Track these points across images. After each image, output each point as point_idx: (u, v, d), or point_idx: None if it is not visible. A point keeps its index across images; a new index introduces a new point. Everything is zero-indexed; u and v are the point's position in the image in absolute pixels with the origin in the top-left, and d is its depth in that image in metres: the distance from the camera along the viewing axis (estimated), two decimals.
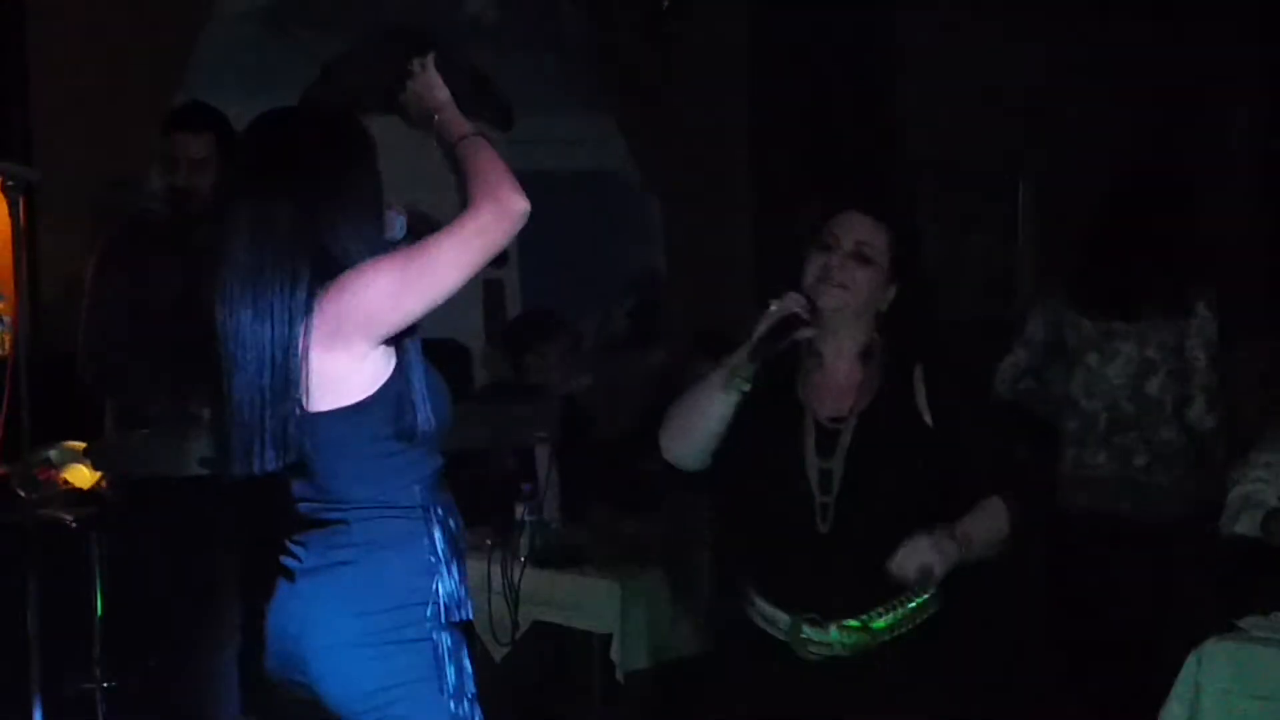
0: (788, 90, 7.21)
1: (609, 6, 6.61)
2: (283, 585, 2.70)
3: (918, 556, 2.96)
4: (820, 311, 3.10)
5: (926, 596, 3.12)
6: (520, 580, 4.49)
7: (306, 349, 2.55)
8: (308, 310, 2.55)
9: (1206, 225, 5.09)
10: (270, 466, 2.64)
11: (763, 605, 3.12)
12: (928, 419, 3.11)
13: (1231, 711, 3.76)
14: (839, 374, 3.16)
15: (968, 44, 7.61)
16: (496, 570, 4.50)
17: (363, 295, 2.53)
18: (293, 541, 2.70)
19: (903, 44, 7.52)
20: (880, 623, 3.08)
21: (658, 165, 6.95)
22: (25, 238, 3.97)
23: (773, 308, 3.05)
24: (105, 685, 4.39)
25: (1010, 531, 3.17)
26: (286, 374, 2.56)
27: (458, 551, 2.70)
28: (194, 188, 4.33)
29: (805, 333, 3.07)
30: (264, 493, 4.01)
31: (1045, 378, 5.00)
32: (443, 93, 2.74)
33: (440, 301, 2.58)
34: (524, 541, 4.59)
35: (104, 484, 4.42)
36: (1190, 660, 3.83)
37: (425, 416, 2.62)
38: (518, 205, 2.56)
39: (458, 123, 2.69)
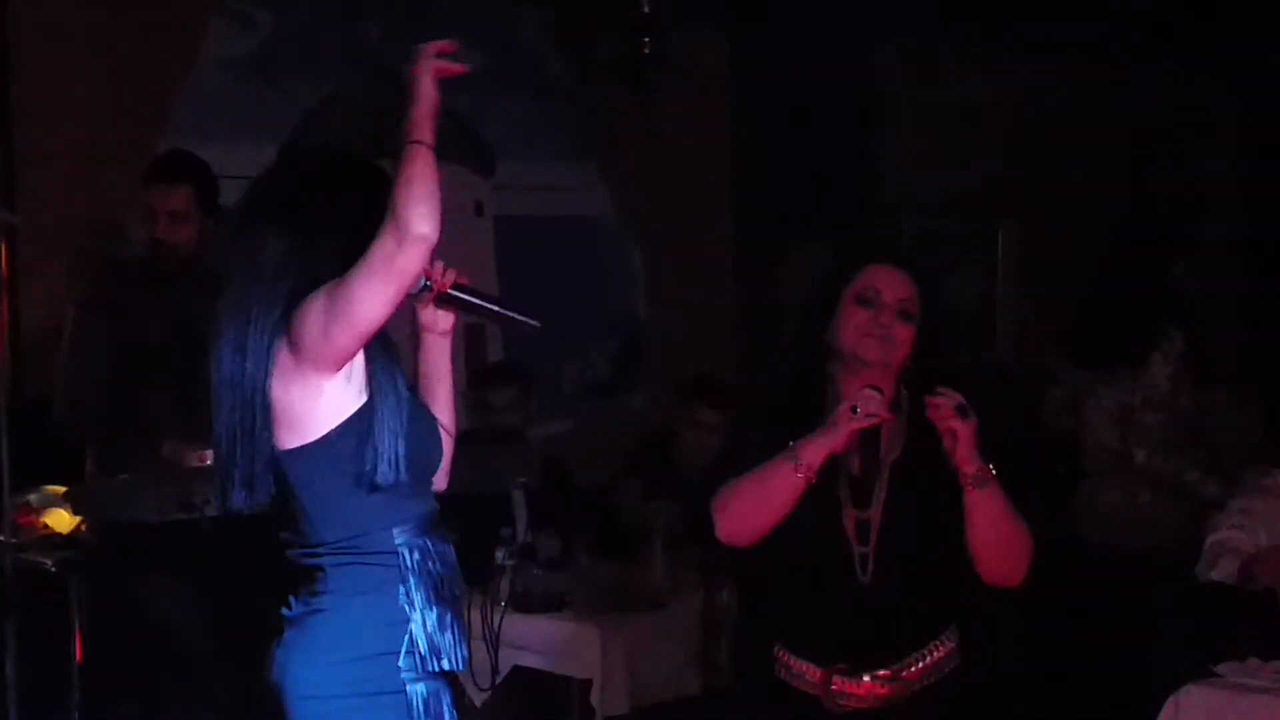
0: (769, 136, 7.25)
1: (591, 54, 6.65)
2: (280, 635, 2.67)
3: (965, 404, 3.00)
4: (866, 361, 3.12)
5: (954, 644, 3.15)
6: (500, 625, 4.49)
7: (270, 385, 2.56)
8: (271, 346, 2.55)
9: (1175, 276, 5.20)
10: (240, 506, 2.63)
11: (791, 659, 3.13)
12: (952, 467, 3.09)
13: None
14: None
15: (948, 90, 7.68)
16: (476, 615, 4.50)
17: (303, 328, 2.52)
18: (295, 591, 2.68)
19: (883, 90, 7.58)
20: (911, 671, 3.10)
21: (639, 211, 6.98)
22: (5, 282, 3.98)
23: (857, 411, 3.01)
24: None
25: (1021, 563, 3.16)
26: (254, 411, 2.56)
27: (444, 598, 2.64)
28: (172, 240, 4.33)
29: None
30: (246, 538, 4.03)
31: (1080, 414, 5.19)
32: (426, 84, 2.57)
33: (370, 329, 2.52)
34: (504, 586, 4.59)
35: (84, 528, 4.42)
36: (1168, 705, 3.84)
37: (389, 462, 2.56)
38: (418, 229, 2.44)
39: (421, 123, 2.54)
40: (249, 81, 5.87)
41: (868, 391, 3.04)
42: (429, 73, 2.57)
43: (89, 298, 4.47)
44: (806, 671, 3.12)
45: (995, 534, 3.08)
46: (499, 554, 4.66)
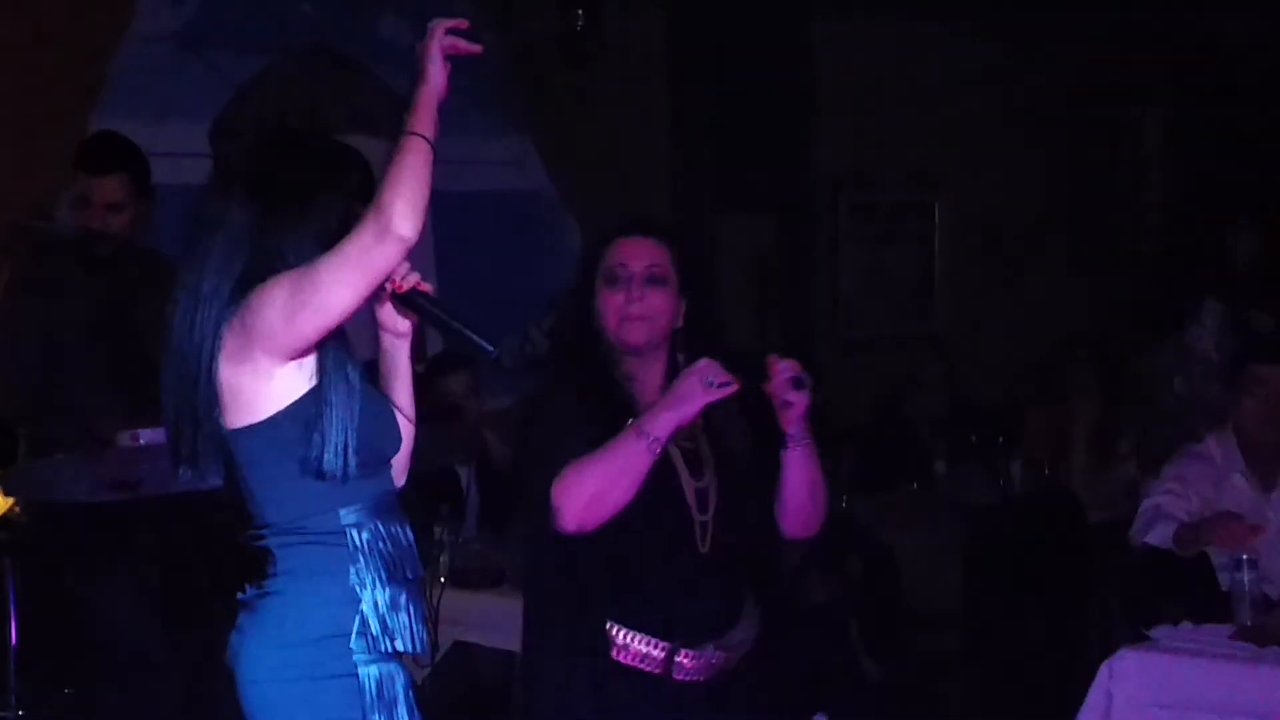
0: (707, 109, 7.25)
1: (525, 28, 6.63)
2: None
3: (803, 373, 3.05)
4: (634, 346, 3.12)
5: (754, 611, 3.18)
6: (439, 601, 4.48)
7: (218, 364, 2.51)
8: (219, 324, 2.51)
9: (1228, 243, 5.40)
10: (186, 482, 2.59)
11: (631, 637, 3.06)
12: (749, 429, 3.19)
13: None
14: (660, 396, 3.11)
15: (886, 64, 7.70)
16: None
17: (262, 312, 2.47)
18: (239, 573, 2.64)
19: (821, 64, 7.60)
20: (741, 639, 3.12)
21: (576, 185, 6.96)
22: None
23: (712, 384, 2.97)
24: (20, 715, 4.34)
25: (821, 514, 3.23)
26: (200, 388, 2.52)
27: (398, 579, 2.59)
28: (108, 229, 4.28)
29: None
30: (181, 518, 4.01)
31: None
32: (431, 69, 2.51)
33: (336, 321, 2.48)
34: (443, 561, 4.59)
35: (17, 510, 4.37)
36: (1102, 670, 3.88)
37: (336, 451, 2.51)
38: (401, 230, 2.40)
39: (421, 112, 2.50)
40: (179, 57, 5.82)
41: (711, 361, 3.01)
42: (440, 52, 2.52)
43: (19, 276, 4.41)
44: (650, 648, 3.06)
45: (808, 490, 3.16)
46: (437, 530, 4.65)
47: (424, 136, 2.48)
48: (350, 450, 2.53)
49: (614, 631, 3.06)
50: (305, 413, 2.53)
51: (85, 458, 4.10)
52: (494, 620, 4.66)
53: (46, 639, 4.33)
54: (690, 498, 3.09)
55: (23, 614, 4.31)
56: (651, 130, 7.18)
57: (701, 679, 3.08)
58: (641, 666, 3.06)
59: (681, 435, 3.07)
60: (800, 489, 3.16)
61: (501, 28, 6.65)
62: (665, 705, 3.06)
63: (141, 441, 4.01)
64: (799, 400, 3.06)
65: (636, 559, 3.08)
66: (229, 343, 2.51)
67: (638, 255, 3.13)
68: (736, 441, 3.19)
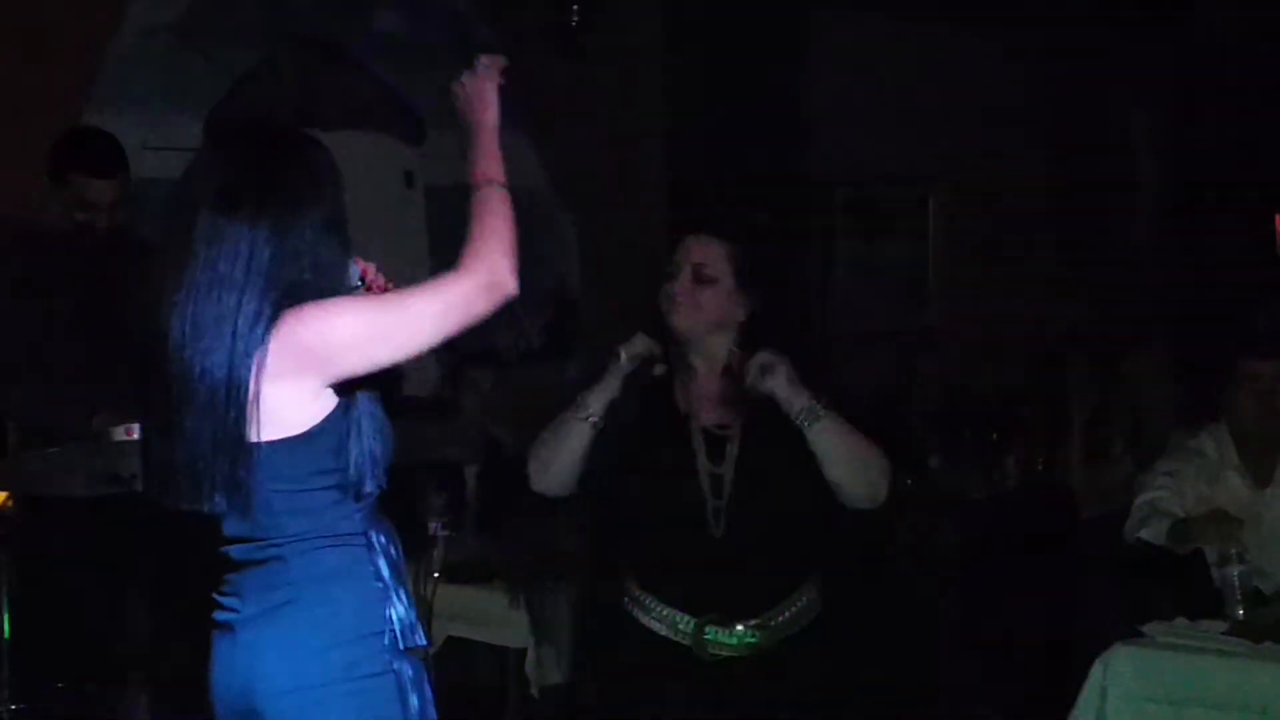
0: (702, 105, 7.25)
1: (519, 22, 6.62)
2: (222, 640, 2.56)
3: (769, 359, 3.13)
4: (678, 331, 3.28)
5: (815, 594, 3.24)
6: (433, 595, 4.48)
7: (259, 384, 2.43)
8: (263, 343, 2.42)
9: None
10: (219, 509, 2.50)
11: (663, 609, 3.20)
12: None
13: (1137, 716, 3.82)
14: (713, 384, 3.29)
15: (880, 58, 7.71)
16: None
17: (327, 334, 2.42)
18: (225, 591, 2.57)
19: (817, 58, 7.60)
20: (779, 621, 3.20)
21: (571, 180, 6.95)
22: None
23: (623, 357, 3.17)
24: (14, 708, 4.33)
25: (881, 480, 3.24)
26: (242, 411, 2.43)
27: (402, 579, 2.59)
28: (110, 226, 4.31)
29: (659, 368, 3.24)
30: (174, 511, 4.00)
31: None
32: (490, 111, 2.60)
33: (410, 357, 2.47)
34: (437, 556, 4.58)
35: (9, 504, 4.36)
36: (1096, 666, 3.89)
37: (370, 458, 2.50)
38: (506, 285, 2.47)
39: (489, 158, 2.58)
40: (175, 49, 5.80)
41: (637, 337, 3.22)
42: (494, 93, 2.60)
43: (8, 267, 4.41)
44: (679, 621, 3.20)
45: (842, 462, 3.19)
46: (433, 525, 4.64)
47: (500, 182, 2.56)
48: (380, 458, 2.54)
49: (647, 601, 3.23)
50: (340, 424, 2.50)
51: (82, 451, 4.09)
52: (486, 616, 4.67)
53: (39, 633, 4.33)
54: (704, 481, 3.19)
55: (15, 608, 4.30)
56: (646, 124, 7.18)
57: (738, 656, 3.17)
58: (673, 638, 3.20)
59: (715, 421, 3.23)
60: (834, 465, 3.19)
61: (494, 21, 6.64)
62: (699, 678, 3.18)
63: (135, 436, 3.99)
64: (777, 386, 3.13)
65: (655, 536, 3.25)
66: (272, 361, 2.43)
67: (692, 252, 3.32)
68: (774, 429, 3.23)
